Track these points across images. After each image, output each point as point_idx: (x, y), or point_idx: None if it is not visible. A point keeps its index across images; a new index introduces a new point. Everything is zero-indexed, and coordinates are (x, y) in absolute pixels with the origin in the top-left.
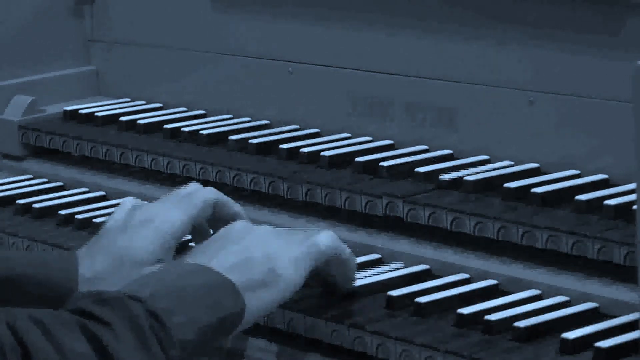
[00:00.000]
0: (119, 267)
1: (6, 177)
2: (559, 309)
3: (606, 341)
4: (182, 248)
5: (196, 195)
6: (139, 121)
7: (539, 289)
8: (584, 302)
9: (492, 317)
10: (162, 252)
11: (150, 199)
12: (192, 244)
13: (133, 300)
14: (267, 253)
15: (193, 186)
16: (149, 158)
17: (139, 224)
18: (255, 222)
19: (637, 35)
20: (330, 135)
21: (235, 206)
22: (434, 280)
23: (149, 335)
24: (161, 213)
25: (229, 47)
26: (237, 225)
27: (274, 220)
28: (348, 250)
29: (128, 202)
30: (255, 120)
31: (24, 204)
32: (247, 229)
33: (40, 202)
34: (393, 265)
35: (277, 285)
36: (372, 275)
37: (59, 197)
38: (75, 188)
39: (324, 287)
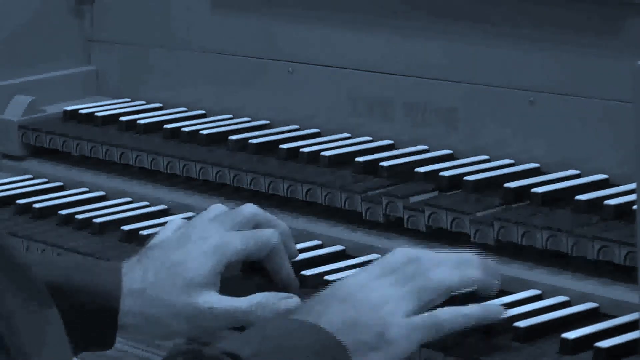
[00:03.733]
0: (172, 285)
1: (6, 177)
2: (559, 309)
3: (606, 341)
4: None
5: (261, 233)
6: (139, 121)
7: (539, 289)
8: (584, 302)
9: None
10: (212, 275)
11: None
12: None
13: (232, 358)
14: (380, 315)
15: (251, 208)
16: (149, 158)
17: (195, 242)
18: None
19: (637, 35)
20: (330, 135)
21: (287, 262)
22: None
23: None
24: (217, 235)
25: (229, 47)
26: (348, 280)
27: None
28: (473, 317)
29: (178, 221)
30: (255, 120)
31: (24, 204)
32: (360, 286)
33: (40, 202)
34: None
35: (387, 350)
36: None
37: (59, 197)
38: (75, 188)
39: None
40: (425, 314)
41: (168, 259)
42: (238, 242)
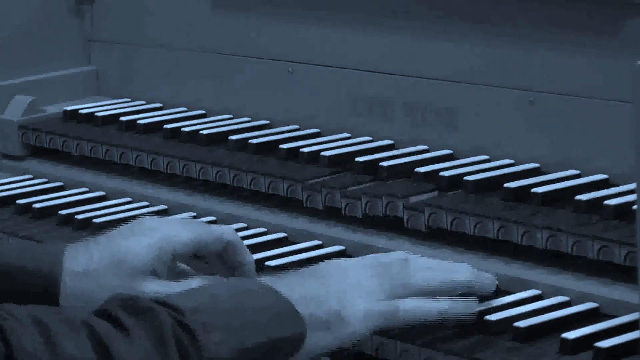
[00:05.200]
0: (116, 270)
1: (6, 177)
2: (559, 309)
3: (606, 341)
4: None
5: (215, 227)
6: (139, 121)
7: (539, 289)
8: (584, 302)
9: (492, 317)
10: (157, 263)
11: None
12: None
13: (170, 309)
14: (344, 297)
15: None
16: (149, 158)
17: (144, 232)
18: (254, 221)
19: (637, 35)
20: (330, 135)
21: (248, 256)
22: None
23: (171, 349)
24: (168, 227)
25: (229, 47)
26: (337, 261)
27: (273, 220)
28: (436, 310)
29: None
30: (255, 120)
31: (24, 204)
32: (341, 269)
33: (40, 202)
34: None
35: (337, 330)
36: None
37: (59, 197)
38: (75, 188)
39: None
40: (386, 302)
41: (115, 245)
42: (186, 234)
